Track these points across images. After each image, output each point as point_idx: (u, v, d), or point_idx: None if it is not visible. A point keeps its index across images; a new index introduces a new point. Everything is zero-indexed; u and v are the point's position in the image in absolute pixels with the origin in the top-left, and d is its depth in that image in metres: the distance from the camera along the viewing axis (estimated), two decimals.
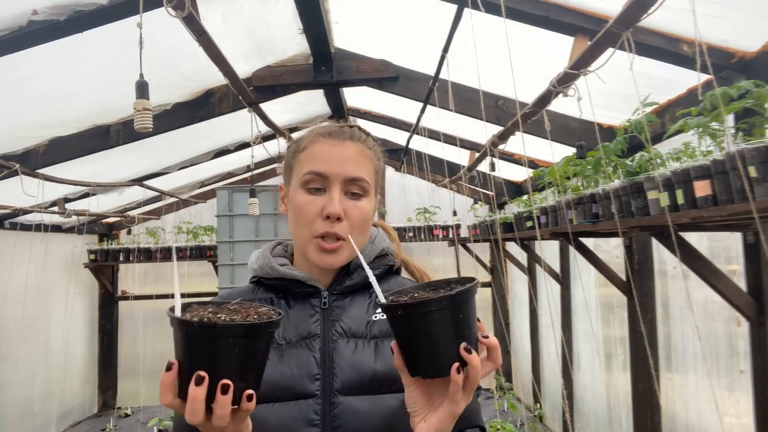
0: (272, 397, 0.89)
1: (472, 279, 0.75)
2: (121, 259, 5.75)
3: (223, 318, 0.68)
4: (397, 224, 5.81)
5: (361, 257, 0.83)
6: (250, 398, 0.67)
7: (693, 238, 2.21)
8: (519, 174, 4.99)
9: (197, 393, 0.64)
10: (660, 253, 2.84)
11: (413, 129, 4.33)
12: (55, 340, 5.38)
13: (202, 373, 0.63)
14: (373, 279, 0.78)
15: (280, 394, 0.89)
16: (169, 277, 6.44)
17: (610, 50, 1.64)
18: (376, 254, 1.03)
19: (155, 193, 5.07)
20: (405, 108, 4.09)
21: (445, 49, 2.65)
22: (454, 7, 2.35)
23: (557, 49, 2.33)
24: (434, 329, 0.69)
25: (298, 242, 0.98)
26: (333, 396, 0.89)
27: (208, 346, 0.64)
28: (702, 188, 1.62)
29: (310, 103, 4.21)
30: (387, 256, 1.05)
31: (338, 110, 4.23)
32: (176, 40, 2.30)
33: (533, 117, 2.37)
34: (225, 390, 0.64)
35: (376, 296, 0.81)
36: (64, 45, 2.18)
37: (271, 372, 0.89)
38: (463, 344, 0.69)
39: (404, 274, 1.13)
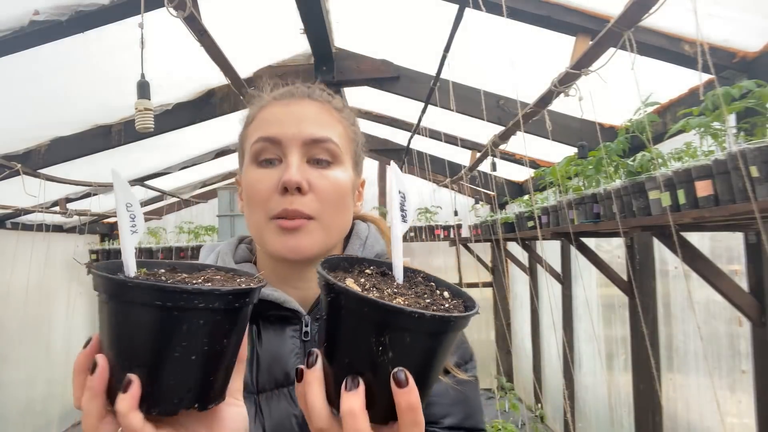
0: None
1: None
2: None
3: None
4: None
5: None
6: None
7: (694, 238, 2.21)
8: (520, 174, 4.99)
9: None
10: (661, 253, 2.84)
11: (414, 129, 4.33)
12: (57, 340, 5.38)
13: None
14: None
15: None
16: None
17: (611, 50, 1.63)
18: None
19: (156, 193, 5.08)
20: (406, 108, 4.09)
21: (446, 49, 2.64)
22: (455, 7, 2.34)
23: (558, 48, 2.33)
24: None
25: (255, 233, 0.77)
26: None
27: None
28: (703, 188, 1.62)
29: None
30: None
31: None
32: (177, 40, 2.30)
33: (534, 117, 2.36)
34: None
35: None
36: (65, 45, 2.19)
37: None
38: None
39: None
